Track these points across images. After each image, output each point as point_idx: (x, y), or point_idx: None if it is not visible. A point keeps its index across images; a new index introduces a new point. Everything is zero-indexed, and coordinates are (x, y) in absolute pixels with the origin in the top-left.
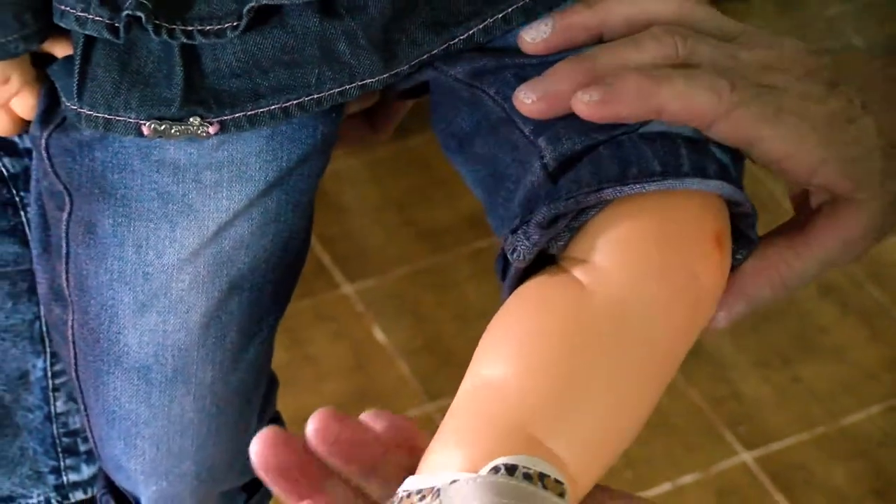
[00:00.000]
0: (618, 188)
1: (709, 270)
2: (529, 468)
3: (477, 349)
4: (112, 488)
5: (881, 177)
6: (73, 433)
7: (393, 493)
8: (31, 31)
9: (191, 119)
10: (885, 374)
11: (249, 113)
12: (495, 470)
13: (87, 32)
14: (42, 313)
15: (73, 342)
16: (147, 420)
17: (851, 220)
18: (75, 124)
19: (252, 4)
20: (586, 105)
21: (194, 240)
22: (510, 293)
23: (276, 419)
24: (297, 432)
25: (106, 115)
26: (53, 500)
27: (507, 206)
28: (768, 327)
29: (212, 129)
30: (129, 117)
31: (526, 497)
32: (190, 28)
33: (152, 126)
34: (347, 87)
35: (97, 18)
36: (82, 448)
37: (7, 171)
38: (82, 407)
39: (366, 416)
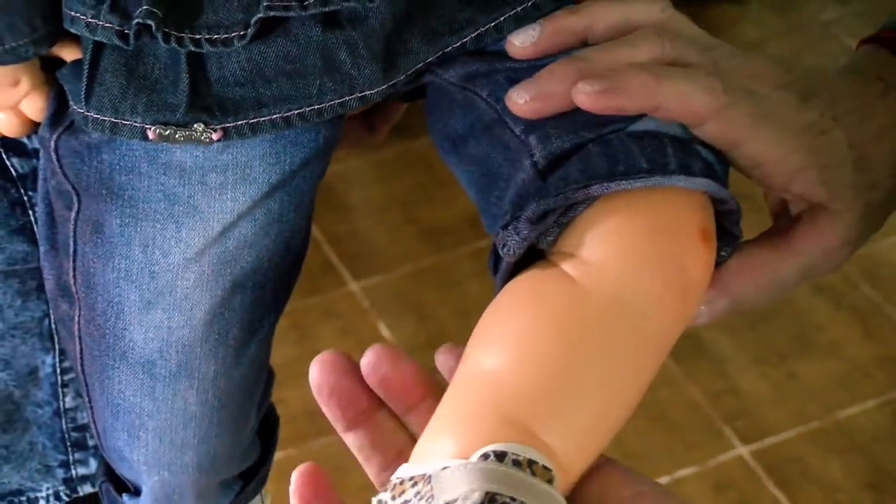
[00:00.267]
0: (605, 184)
1: (696, 264)
2: (519, 455)
3: (470, 341)
4: (111, 476)
5: (854, 189)
6: (82, 428)
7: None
8: (41, 35)
9: (195, 125)
10: (879, 371)
11: (252, 121)
12: (485, 456)
13: (96, 38)
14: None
15: (80, 337)
16: (151, 413)
17: (829, 229)
18: (83, 127)
19: (259, 15)
20: (588, 95)
21: (199, 240)
22: (502, 287)
23: (271, 410)
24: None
25: (112, 119)
26: (62, 494)
27: (499, 204)
28: (765, 325)
29: (215, 136)
30: (135, 121)
31: (515, 483)
32: (198, 36)
33: (157, 131)
34: (348, 98)
35: (107, 25)
36: (91, 442)
37: (16, 171)
38: (87, 400)
39: (443, 350)
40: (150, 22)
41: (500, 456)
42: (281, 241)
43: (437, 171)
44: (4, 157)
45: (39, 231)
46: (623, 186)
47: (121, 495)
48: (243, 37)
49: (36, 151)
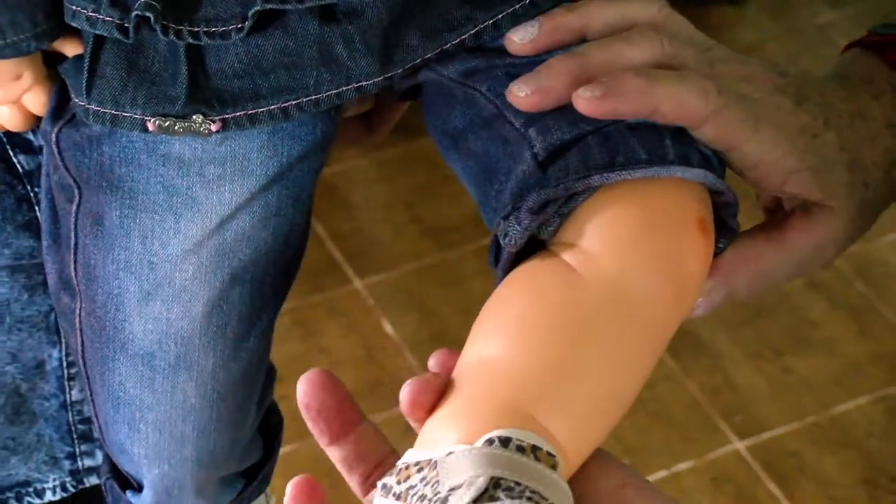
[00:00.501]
0: (605, 175)
1: (694, 254)
2: (523, 441)
3: (472, 330)
4: (116, 473)
5: (847, 188)
6: (88, 420)
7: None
8: (42, 30)
9: (194, 117)
10: (873, 368)
11: (250, 112)
12: (489, 442)
13: (97, 32)
14: None
15: (81, 329)
16: (151, 405)
17: (822, 226)
18: (84, 120)
19: (256, 8)
20: (587, 101)
21: (198, 231)
22: (503, 278)
23: (275, 410)
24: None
25: (113, 112)
26: (69, 485)
27: (500, 197)
28: (762, 321)
29: (213, 127)
30: (136, 114)
31: (519, 468)
32: (196, 29)
33: (157, 122)
34: (344, 88)
35: (107, 19)
36: (96, 434)
37: (23, 167)
38: (88, 392)
39: (436, 356)
40: (148, 14)
41: (505, 441)
42: (279, 235)
43: (440, 169)
44: (11, 153)
45: (43, 226)
46: (623, 176)
47: (124, 492)
48: (241, 30)
49: (41, 148)
